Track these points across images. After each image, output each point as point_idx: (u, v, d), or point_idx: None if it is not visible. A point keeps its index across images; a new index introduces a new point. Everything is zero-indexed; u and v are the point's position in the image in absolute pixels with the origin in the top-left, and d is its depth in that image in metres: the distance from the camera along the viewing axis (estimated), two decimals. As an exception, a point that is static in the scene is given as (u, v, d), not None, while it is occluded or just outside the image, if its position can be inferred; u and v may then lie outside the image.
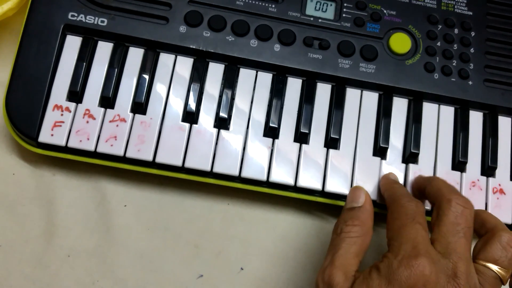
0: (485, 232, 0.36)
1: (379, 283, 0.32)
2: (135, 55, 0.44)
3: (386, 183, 0.42)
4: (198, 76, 0.44)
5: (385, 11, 0.47)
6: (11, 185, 0.44)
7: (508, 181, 0.45)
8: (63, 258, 0.42)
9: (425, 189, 0.40)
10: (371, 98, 0.45)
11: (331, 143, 0.43)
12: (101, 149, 0.41)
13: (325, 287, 0.34)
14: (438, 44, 0.46)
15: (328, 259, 0.35)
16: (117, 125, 0.42)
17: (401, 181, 0.43)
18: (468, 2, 0.48)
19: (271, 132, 0.43)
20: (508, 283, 0.35)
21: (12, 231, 0.43)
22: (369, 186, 0.43)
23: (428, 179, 0.40)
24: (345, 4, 0.46)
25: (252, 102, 0.44)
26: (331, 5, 0.46)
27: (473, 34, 0.47)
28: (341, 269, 0.34)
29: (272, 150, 0.43)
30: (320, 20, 0.46)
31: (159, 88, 0.43)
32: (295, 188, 0.43)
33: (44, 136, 0.41)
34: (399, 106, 0.45)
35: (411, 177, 0.43)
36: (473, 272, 0.33)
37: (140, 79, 0.43)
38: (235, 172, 0.42)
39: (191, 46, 0.44)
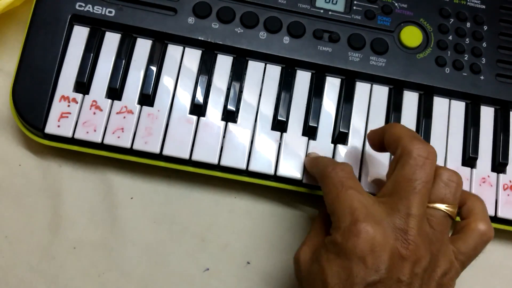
0: None
1: (327, 258, 0.32)
2: (142, 46, 0.43)
3: (309, 160, 0.41)
4: (206, 68, 0.43)
5: (396, 4, 0.46)
6: (18, 176, 0.44)
7: (519, 177, 0.44)
8: (69, 249, 0.42)
9: (383, 137, 0.37)
10: (381, 92, 0.45)
11: (340, 137, 0.43)
12: (108, 141, 0.41)
13: (294, 264, 0.36)
14: (450, 38, 0.46)
15: (302, 242, 0.37)
16: (124, 117, 0.41)
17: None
18: (481, -5, 0.47)
19: (279, 126, 0.43)
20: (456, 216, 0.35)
21: (18, 222, 0.43)
22: (378, 180, 0.42)
23: (385, 126, 0.37)
24: (355, -3, 0.46)
25: (260, 95, 0.43)
26: (341, -3, 0.46)
27: (485, 28, 0.46)
28: (310, 247, 0.35)
29: (280, 144, 0.42)
30: (330, 13, 0.45)
31: (167, 80, 0.43)
32: (302, 183, 0.42)
33: (51, 127, 0.41)
34: (410, 100, 0.45)
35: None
36: (425, 223, 0.32)
37: (147, 70, 0.43)
38: (243, 166, 0.41)
39: (199, 38, 0.43)
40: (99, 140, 0.41)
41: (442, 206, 0.33)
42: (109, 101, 0.42)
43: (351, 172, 0.35)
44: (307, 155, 0.42)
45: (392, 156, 0.35)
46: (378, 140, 0.38)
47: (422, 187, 0.32)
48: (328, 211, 0.34)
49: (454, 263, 0.33)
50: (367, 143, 0.43)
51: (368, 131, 0.40)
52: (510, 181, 0.44)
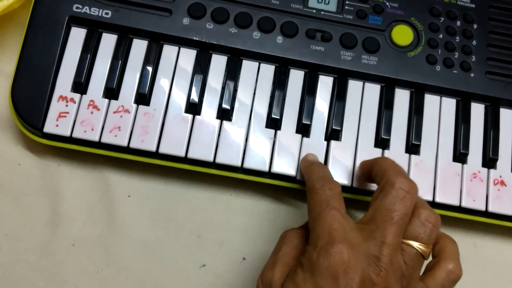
0: None
1: (303, 278, 0.32)
2: (139, 47, 0.44)
3: (304, 166, 0.41)
4: (201, 67, 0.44)
5: (387, 4, 0.47)
6: (17, 175, 0.44)
7: (509, 172, 0.45)
8: (67, 247, 0.43)
9: (372, 169, 0.38)
10: (373, 90, 0.46)
11: (333, 134, 0.44)
12: (105, 139, 0.42)
13: (264, 286, 0.35)
14: (440, 36, 0.47)
15: (269, 261, 0.36)
16: (121, 116, 0.42)
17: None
18: (470, -6, 0.48)
19: (273, 124, 0.44)
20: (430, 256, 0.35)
21: (18, 221, 0.43)
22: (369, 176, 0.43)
23: (375, 159, 0.39)
24: (347, -3, 0.47)
25: (254, 94, 0.44)
26: (333, -3, 0.47)
27: (475, 26, 0.47)
28: (279, 269, 0.34)
29: (274, 142, 0.43)
30: (322, 12, 0.46)
31: (163, 79, 0.44)
32: (297, 179, 0.43)
33: (49, 127, 0.42)
34: (401, 98, 0.46)
35: (413, 168, 0.44)
36: (398, 255, 0.33)
37: (143, 70, 0.43)
38: (238, 163, 0.42)
39: (194, 38, 0.44)
40: (96, 138, 0.42)
41: (415, 244, 0.34)
42: (106, 100, 0.43)
43: (339, 193, 0.36)
44: (305, 156, 0.43)
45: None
46: (367, 171, 0.40)
47: (400, 218, 0.33)
48: (309, 225, 0.35)
49: None
50: (360, 140, 0.44)
51: (359, 163, 0.42)
52: (501, 176, 0.44)
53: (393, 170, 0.35)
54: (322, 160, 0.43)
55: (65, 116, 0.42)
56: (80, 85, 0.43)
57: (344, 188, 0.43)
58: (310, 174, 0.38)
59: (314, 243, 0.33)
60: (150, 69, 0.43)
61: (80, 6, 0.44)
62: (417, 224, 0.34)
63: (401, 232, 0.33)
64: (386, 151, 0.44)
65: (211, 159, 0.42)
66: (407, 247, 0.34)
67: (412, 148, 0.44)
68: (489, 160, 0.45)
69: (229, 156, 0.42)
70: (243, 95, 0.44)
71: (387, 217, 0.33)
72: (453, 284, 0.35)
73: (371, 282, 0.31)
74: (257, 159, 0.43)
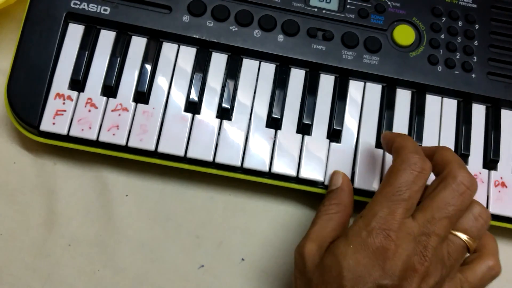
0: None
1: (344, 251, 0.32)
2: (137, 44, 0.44)
3: (392, 135, 0.38)
4: (201, 66, 0.43)
5: (389, 3, 0.47)
6: (12, 174, 0.44)
7: (510, 174, 0.44)
8: (64, 247, 0.42)
9: (433, 156, 0.37)
10: (375, 90, 0.45)
11: (334, 134, 0.43)
12: (103, 138, 0.41)
13: (299, 258, 0.36)
14: (442, 36, 0.46)
15: (308, 232, 0.37)
16: (119, 114, 0.42)
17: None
18: (472, -6, 0.48)
19: (274, 123, 0.43)
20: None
21: (13, 220, 0.43)
22: (372, 178, 0.43)
23: (437, 148, 0.37)
24: (349, -5, 0.46)
25: (255, 93, 0.44)
26: (335, -4, 0.46)
27: (477, 27, 0.47)
28: (316, 241, 0.35)
29: (274, 141, 0.43)
30: (324, 11, 0.46)
31: (162, 77, 0.43)
32: (297, 180, 0.43)
33: (46, 125, 0.41)
34: (402, 98, 0.45)
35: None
36: (443, 246, 0.33)
37: (142, 68, 0.43)
38: (237, 163, 0.42)
39: (194, 36, 0.43)
40: (94, 137, 0.41)
41: (464, 237, 0.34)
42: (104, 98, 0.42)
43: (423, 185, 0.34)
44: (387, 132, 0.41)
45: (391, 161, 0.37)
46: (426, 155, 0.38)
47: (455, 213, 0.33)
48: (379, 189, 0.34)
49: None
50: (360, 140, 0.44)
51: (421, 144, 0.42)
52: (501, 178, 0.44)
53: (457, 162, 0.35)
54: (323, 160, 0.43)
55: (62, 114, 0.41)
56: (78, 83, 0.42)
57: (344, 189, 0.43)
58: (405, 144, 0.36)
59: (368, 221, 0.33)
60: (149, 67, 0.43)
61: (78, 2, 0.43)
62: (470, 218, 0.34)
63: (452, 226, 0.33)
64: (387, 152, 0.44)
65: (210, 158, 0.42)
66: (455, 238, 0.34)
67: (413, 149, 0.44)
68: (490, 162, 0.44)
69: (229, 156, 0.42)
70: (243, 94, 0.43)
71: (444, 209, 0.33)
72: (491, 279, 0.36)
73: (414, 269, 0.32)
74: (257, 159, 0.42)
